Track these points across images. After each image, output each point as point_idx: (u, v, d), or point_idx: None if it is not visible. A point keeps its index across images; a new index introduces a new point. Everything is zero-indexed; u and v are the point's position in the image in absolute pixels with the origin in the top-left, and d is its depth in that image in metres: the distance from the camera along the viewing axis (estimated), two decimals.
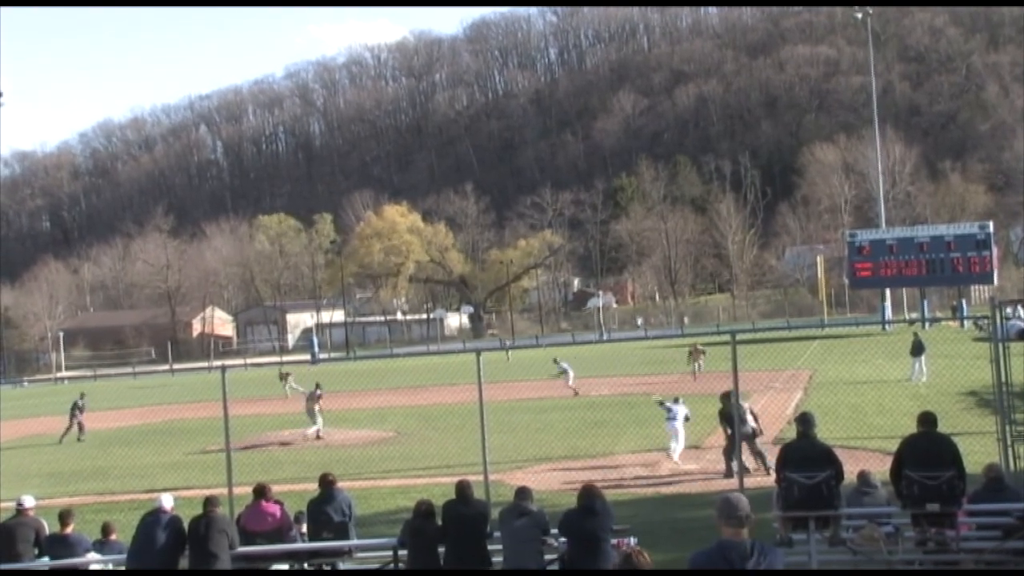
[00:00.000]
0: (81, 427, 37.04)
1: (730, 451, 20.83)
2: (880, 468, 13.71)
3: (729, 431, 20.87)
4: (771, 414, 26.49)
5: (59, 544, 13.24)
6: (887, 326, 61.45)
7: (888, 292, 70.29)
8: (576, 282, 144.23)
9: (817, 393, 32.19)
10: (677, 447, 22.34)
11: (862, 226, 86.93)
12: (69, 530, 13.40)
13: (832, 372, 37.99)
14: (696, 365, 40.70)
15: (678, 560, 7.63)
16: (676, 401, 23.08)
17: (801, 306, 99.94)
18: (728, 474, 20.19)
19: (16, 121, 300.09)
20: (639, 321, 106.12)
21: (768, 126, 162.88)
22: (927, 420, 11.98)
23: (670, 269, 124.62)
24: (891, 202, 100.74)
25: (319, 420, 30.86)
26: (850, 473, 12.56)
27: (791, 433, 13.67)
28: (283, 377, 48.17)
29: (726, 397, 21.36)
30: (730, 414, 21.08)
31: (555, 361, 41.28)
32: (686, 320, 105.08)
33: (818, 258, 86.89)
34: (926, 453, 11.64)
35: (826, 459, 11.74)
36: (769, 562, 6.01)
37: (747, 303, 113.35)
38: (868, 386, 33.42)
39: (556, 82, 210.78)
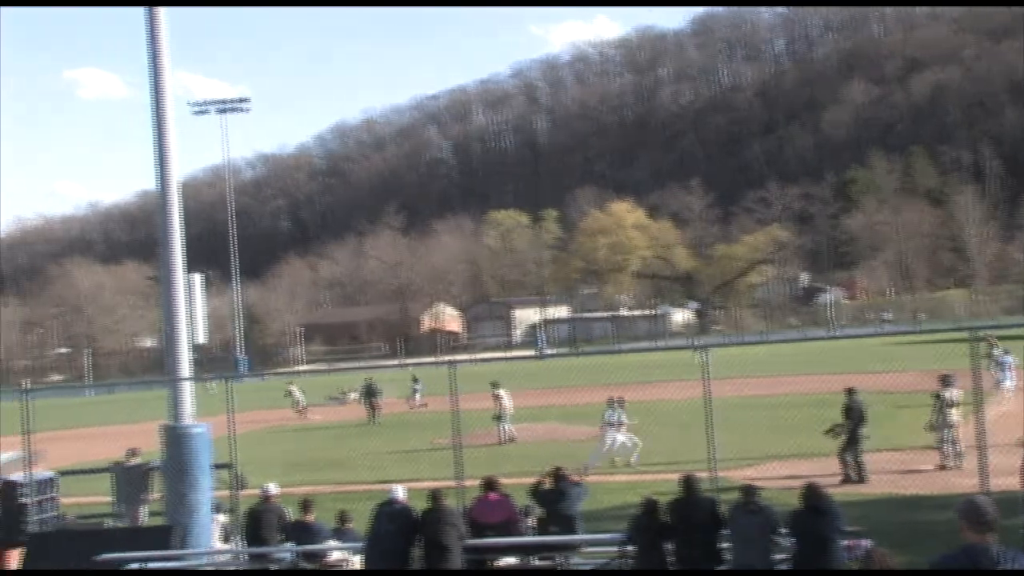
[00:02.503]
0: (376, 410, 39.14)
1: (844, 450, 20.73)
2: None
3: (847, 430, 20.78)
4: (1021, 415, 25.22)
5: (302, 531, 13.84)
6: None
7: None
8: (805, 277, 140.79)
9: None
10: None
11: None
12: (311, 518, 14.01)
13: None
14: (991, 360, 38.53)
15: (917, 564, 7.33)
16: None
17: None
18: (845, 478, 19.84)
19: (259, 125, 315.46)
20: (886, 314, 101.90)
21: (1012, 113, 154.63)
22: None
23: (904, 263, 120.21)
24: None
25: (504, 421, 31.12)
26: None
27: None
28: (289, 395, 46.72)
29: (851, 392, 21.21)
30: (852, 409, 20.82)
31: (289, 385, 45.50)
32: (922, 316, 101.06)
33: None
34: None
35: None
36: None
37: (989, 298, 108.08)
38: None
39: (783, 74, 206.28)
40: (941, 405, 21.34)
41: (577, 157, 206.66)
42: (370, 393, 40.17)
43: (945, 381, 21.55)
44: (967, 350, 13.62)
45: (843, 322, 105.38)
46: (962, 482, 18.71)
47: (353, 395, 44.87)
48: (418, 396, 44.75)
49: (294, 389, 45.81)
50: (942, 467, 21.03)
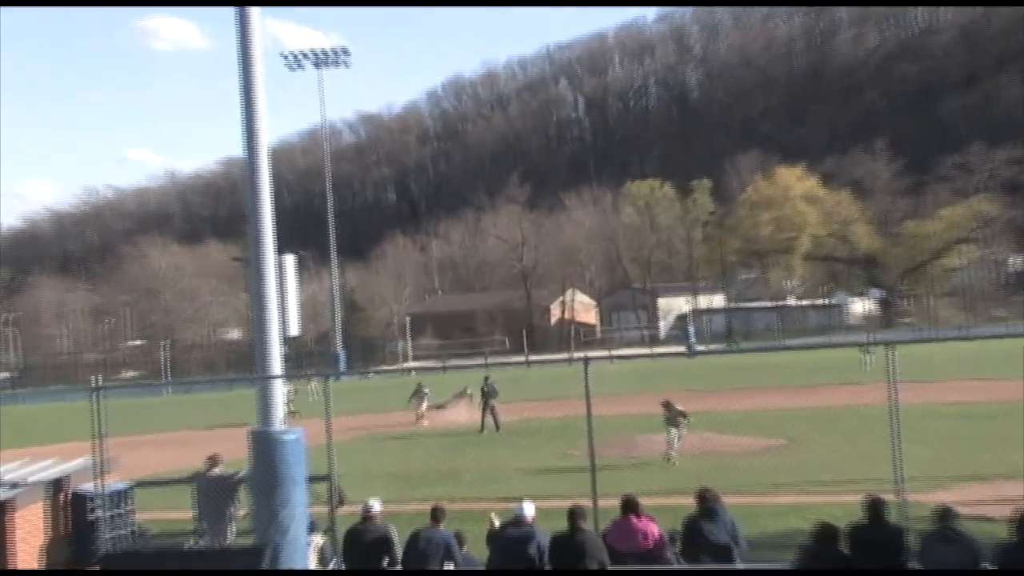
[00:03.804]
0: (495, 415, 39.62)
1: None
2: None
3: None
4: None
5: (426, 541, 14.02)
6: None
7: None
8: (1016, 260, 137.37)
9: None
10: None
11: None
12: (441, 527, 14.19)
13: None
14: None
15: None
16: None
17: None
18: None
19: (361, 81, 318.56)
20: None
21: None
22: None
23: None
24: None
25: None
26: None
27: None
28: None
29: None
30: None
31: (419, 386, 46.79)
32: None
33: None
34: None
35: None
36: None
37: None
38: None
39: (991, 12, 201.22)
40: None
41: (736, 116, 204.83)
42: (489, 394, 40.41)
43: None
44: None
45: None
46: None
47: (470, 392, 45.31)
48: (424, 404, 45.56)
49: (427, 391, 46.27)
50: None
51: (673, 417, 30.09)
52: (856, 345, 56.90)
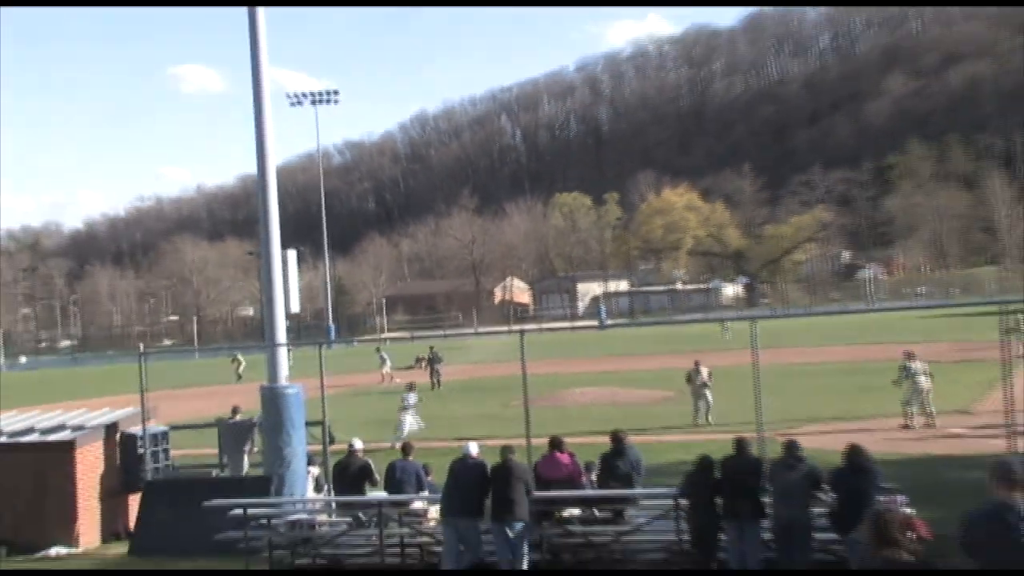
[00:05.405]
0: (438, 376, 39.09)
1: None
2: None
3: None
4: None
5: (400, 469, 13.95)
6: None
7: None
8: (846, 255, 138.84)
9: None
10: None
11: None
12: (411, 459, 14.19)
13: None
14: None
15: (947, 519, 7.23)
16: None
17: None
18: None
19: (348, 114, 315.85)
20: (921, 289, 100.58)
21: None
22: None
23: (938, 242, 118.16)
24: None
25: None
26: None
27: None
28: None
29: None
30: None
31: (377, 350, 47.11)
32: (955, 291, 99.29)
33: None
34: None
35: None
36: None
37: (1017, 274, 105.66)
38: None
39: (827, 67, 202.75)
40: (909, 374, 22.31)
41: (637, 144, 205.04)
42: (433, 360, 40.12)
43: (909, 356, 22.79)
44: (996, 323, 13.36)
45: (881, 296, 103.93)
46: (993, 442, 18.40)
47: (423, 361, 45.14)
48: (386, 368, 44.42)
49: (385, 355, 45.71)
50: (905, 426, 21.92)
51: (700, 385, 25.69)
52: (716, 321, 57.56)
